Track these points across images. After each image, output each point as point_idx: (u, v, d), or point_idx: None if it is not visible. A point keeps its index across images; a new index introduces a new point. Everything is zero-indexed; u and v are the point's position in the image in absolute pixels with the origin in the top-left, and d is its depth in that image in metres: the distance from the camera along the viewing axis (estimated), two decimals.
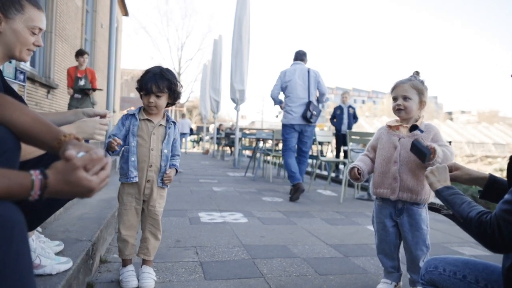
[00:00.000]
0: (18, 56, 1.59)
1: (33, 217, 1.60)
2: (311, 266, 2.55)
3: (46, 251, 1.70)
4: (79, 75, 6.53)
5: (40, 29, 1.61)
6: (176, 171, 2.16)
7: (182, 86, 2.17)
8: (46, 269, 1.65)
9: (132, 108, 2.29)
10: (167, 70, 2.10)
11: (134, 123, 2.07)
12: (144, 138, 2.07)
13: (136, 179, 2.05)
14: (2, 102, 1.07)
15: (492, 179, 1.51)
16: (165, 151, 2.09)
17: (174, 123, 2.17)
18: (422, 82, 2.05)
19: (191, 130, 17.18)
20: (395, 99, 2.05)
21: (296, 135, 5.43)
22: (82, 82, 6.51)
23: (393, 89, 2.07)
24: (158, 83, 2.01)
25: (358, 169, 2.09)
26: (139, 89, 2.06)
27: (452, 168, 1.64)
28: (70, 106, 6.59)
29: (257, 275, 2.34)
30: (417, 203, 2.03)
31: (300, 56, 5.64)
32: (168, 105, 2.12)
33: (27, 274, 0.84)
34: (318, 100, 5.60)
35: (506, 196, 1.16)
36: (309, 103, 5.32)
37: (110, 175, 1.01)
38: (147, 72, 2.06)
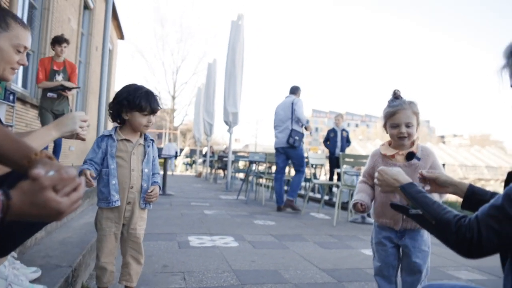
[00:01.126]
0: (1, 74, 1.52)
1: (6, 242, 1.51)
2: None
3: (19, 279, 1.60)
4: (55, 67, 5.06)
5: (25, 48, 1.55)
6: (160, 188, 2.08)
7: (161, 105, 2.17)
8: None
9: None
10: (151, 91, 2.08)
11: (111, 144, 1.97)
12: (124, 158, 1.98)
13: (118, 203, 1.94)
14: None
15: (471, 189, 1.43)
16: (146, 170, 2.02)
17: (152, 140, 2.10)
18: (415, 105, 1.91)
19: (176, 153, 17.35)
20: (396, 126, 1.85)
21: (283, 157, 6.31)
22: (59, 77, 5.08)
23: (393, 114, 1.86)
24: (157, 102, 2.00)
25: (361, 204, 1.90)
26: (129, 106, 1.95)
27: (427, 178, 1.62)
28: (41, 109, 5.12)
29: None
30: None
31: (291, 90, 6.53)
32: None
33: None
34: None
35: (494, 201, 1.05)
36: (291, 130, 6.12)
37: (82, 197, 0.94)
38: (138, 89, 1.97)
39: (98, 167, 1.95)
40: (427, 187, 1.61)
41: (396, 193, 1.48)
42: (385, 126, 1.94)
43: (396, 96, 1.91)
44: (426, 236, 1.91)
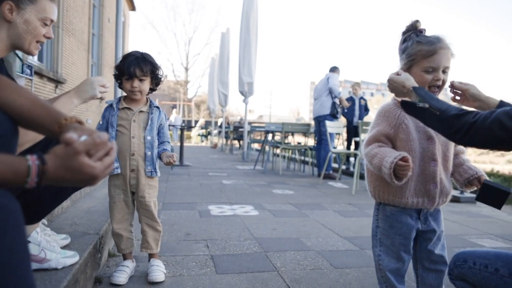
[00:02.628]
0: (27, 48, 1.52)
1: (37, 209, 1.53)
2: (325, 259, 2.46)
3: (51, 245, 1.63)
4: None
5: (52, 21, 1.55)
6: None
7: (163, 71, 2.09)
8: (51, 263, 1.59)
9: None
10: (149, 55, 2.03)
11: (112, 113, 2.01)
12: (125, 126, 1.99)
13: (118, 170, 1.97)
14: None
15: (501, 105, 1.37)
16: (149, 138, 2.01)
17: (158, 108, 2.08)
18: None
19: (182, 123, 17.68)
20: (433, 70, 1.44)
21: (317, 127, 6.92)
22: None
23: (432, 54, 1.43)
24: (141, 66, 1.94)
25: (403, 158, 1.35)
26: (120, 74, 1.99)
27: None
28: None
29: (270, 268, 2.26)
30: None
31: (330, 69, 7.04)
32: (150, 90, 2.06)
33: (23, 269, 0.75)
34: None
35: None
36: (333, 103, 6.75)
37: (115, 161, 0.93)
38: (128, 56, 1.99)
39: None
40: (457, 97, 1.53)
41: (408, 96, 1.41)
42: (407, 69, 1.49)
43: (418, 29, 1.50)
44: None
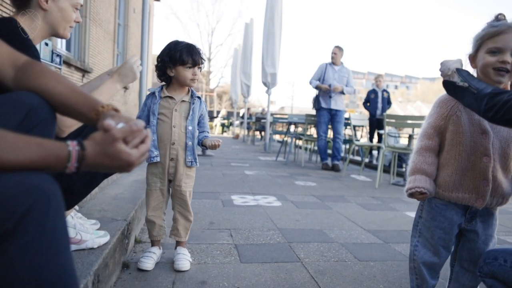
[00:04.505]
0: (62, 33, 1.58)
1: (72, 195, 1.58)
2: (349, 251, 2.45)
3: (85, 227, 1.69)
4: None
5: (81, 5, 1.63)
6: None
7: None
8: (88, 243, 1.67)
9: None
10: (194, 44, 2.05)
11: (154, 101, 2.01)
12: (167, 115, 2.01)
13: (158, 159, 1.99)
14: (37, 70, 1.02)
15: None
16: (190, 128, 2.01)
17: (199, 98, 2.08)
18: None
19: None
20: (497, 51, 1.32)
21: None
22: None
23: (496, 34, 1.33)
24: (200, 54, 1.99)
25: (421, 192, 1.43)
26: (173, 62, 1.96)
27: None
28: None
29: (294, 259, 2.26)
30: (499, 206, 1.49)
31: None
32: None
33: (64, 249, 0.78)
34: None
35: None
36: (314, 97, 6.86)
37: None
38: (178, 43, 1.98)
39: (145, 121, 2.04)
40: None
41: (452, 78, 1.41)
42: (475, 54, 1.41)
43: (499, 20, 1.39)
44: (497, 217, 1.54)
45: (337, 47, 6.71)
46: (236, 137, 16.19)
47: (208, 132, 2.11)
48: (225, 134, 21.12)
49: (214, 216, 3.11)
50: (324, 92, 6.53)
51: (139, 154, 0.89)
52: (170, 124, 2.00)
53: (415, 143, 1.55)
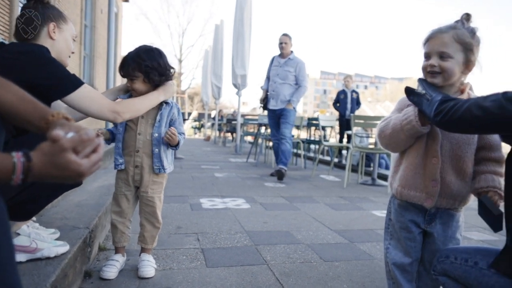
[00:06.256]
0: (65, 60, 1.80)
1: (34, 205, 1.55)
2: (315, 252, 2.48)
3: (41, 236, 1.65)
4: None
5: (76, 36, 1.87)
6: (178, 143, 2.02)
7: (165, 65, 1.96)
8: (44, 252, 1.62)
9: None
10: (146, 51, 1.93)
11: None
12: (134, 122, 1.98)
13: (122, 166, 1.99)
14: None
15: None
16: (156, 135, 1.98)
17: (169, 103, 2.03)
18: (472, 31, 1.40)
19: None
20: (427, 56, 1.43)
21: None
22: None
23: (426, 41, 1.44)
24: (129, 67, 1.90)
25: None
26: None
27: None
28: None
29: (260, 262, 2.27)
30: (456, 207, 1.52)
31: None
32: (155, 85, 1.96)
33: (9, 268, 0.76)
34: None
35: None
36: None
37: (102, 159, 0.93)
38: (127, 54, 1.95)
39: (114, 131, 2.02)
40: None
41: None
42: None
43: (461, 22, 1.42)
44: (461, 220, 1.55)
45: (285, 35, 5.78)
46: (207, 139, 16.11)
47: (182, 134, 2.06)
48: (196, 136, 20.98)
49: (182, 220, 3.08)
50: (271, 91, 5.77)
51: (90, 164, 0.88)
52: (135, 132, 1.97)
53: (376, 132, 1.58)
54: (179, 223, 3.00)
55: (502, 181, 1.41)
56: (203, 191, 4.34)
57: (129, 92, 2.01)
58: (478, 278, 1.26)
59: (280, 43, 5.74)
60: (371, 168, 5.78)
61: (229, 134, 14.22)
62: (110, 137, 2.03)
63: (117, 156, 1.99)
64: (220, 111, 17.15)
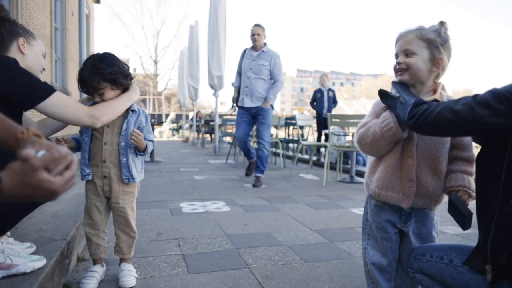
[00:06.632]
0: (37, 76, 1.77)
1: (9, 221, 1.51)
2: (296, 253, 2.50)
3: (16, 251, 1.60)
4: None
5: (46, 53, 1.89)
6: (146, 148, 1.96)
7: (123, 66, 1.90)
8: (19, 267, 1.58)
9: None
10: (100, 59, 1.84)
11: None
12: (99, 131, 1.93)
13: (89, 177, 1.94)
14: None
15: None
16: (123, 144, 1.92)
17: (135, 110, 1.97)
18: (437, 31, 1.45)
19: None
20: (396, 57, 1.50)
21: None
22: None
23: (396, 42, 1.51)
24: (93, 82, 1.81)
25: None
26: None
27: None
28: None
29: (241, 266, 2.28)
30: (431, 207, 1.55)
31: None
32: (123, 89, 1.92)
33: None
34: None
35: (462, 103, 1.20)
36: None
37: (76, 174, 0.91)
38: (80, 70, 1.86)
39: (80, 139, 1.98)
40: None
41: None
42: None
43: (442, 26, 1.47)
44: (436, 218, 1.59)
45: (258, 25, 5.22)
46: (186, 140, 15.99)
47: (150, 141, 2.01)
48: (174, 138, 20.79)
49: (162, 226, 3.06)
50: (244, 87, 5.24)
51: (63, 182, 0.86)
52: (101, 141, 1.92)
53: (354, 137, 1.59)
54: (160, 229, 2.97)
55: (472, 180, 1.46)
56: (183, 195, 4.31)
57: (92, 100, 1.93)
58: (453, 275, 1.30)
59: (252, 35, 5.18)
60: (349, 166, 5.86)
61: (208, 135, 14.15)
62: (75, 146, 1.96)
63: (84, 167, 1.94)
64: (198, 112, 17.06)
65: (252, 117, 5.24)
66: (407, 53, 1.45)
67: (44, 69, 1.84)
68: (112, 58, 1.89)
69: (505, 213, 1.15)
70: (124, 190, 1.98)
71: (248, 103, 5.17)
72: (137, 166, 2.01)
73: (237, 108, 5.41)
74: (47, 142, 0.91)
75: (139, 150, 1.97)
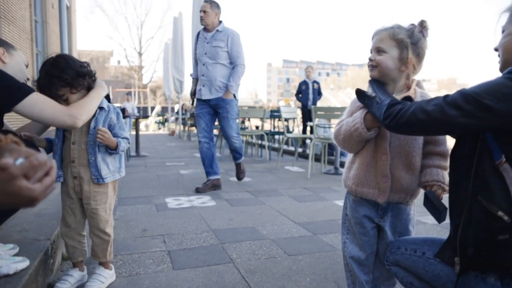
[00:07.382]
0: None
1: None
2: (280, 247, 2.55)
3: None
4: None
5: (28, 63, 1.95)
6: (117, 146, 1.91)
7: (79, 66, 1.82)
8: (2, 269, 1.59)
9: None
10: (52, 65, 1.77)
11: None
12: (69, 131, 1.89)
13: (61, 179, 1.91)
14: None
15: None
16: (91, 143, 1.88)
17: (104, 108, 1.92)
18: (409, 31, 1.47)
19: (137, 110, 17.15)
20: (370, 52, 1.54)
21: None
22: None
23: (372, 38, 1.55)
24: (51, 90, 1.76)
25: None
26: None
27: None
28: None
29: (226, 260, 2.32)
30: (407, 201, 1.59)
31: None
32: (87, 89, 1.87)
33: None
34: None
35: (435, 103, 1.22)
36: None
37: (56, 181, 0.92)
38: (38, 80, 1.80)
39: (53, 140, 1.96)
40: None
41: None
42: None
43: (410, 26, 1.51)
44: (413, 213, 1.62)
45: (207, 1, 4.26)
46: (172, 133, 15.92)
47: (124, 139, 1.96)
48: (160, 131, 20.67)
49: (148, 223, 3.07)
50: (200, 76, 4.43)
51: (43, 188, 0.87)
52: (70, 141, 1.89)
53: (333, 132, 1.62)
54: (145, 226, 2.99)
55: (446, 175, 1.51)
56: (169, 190, 4.32)
57: None
58: (425, 267, 1.36)
59: (201, 11, 4.26)
60: (334, 157, 5.93)
61: (193, 128, 14.10)
62: (47, 146, 1.94)
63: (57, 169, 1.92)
64: (183, 104, 16.96)
65: (213, 110, 4.45)
66: (379, 51, 1.49)
67: (28, 79, 1.87)
68: (65, 61, 1.80)
69: (474, 209, 1.20)
70: (96, 191, 1.93)
71: (206, 94, 4.33)
72: (110, 165, 1.95)
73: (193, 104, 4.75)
74: (26, 149, 0.92)
75: (110, 149, 1.92)
